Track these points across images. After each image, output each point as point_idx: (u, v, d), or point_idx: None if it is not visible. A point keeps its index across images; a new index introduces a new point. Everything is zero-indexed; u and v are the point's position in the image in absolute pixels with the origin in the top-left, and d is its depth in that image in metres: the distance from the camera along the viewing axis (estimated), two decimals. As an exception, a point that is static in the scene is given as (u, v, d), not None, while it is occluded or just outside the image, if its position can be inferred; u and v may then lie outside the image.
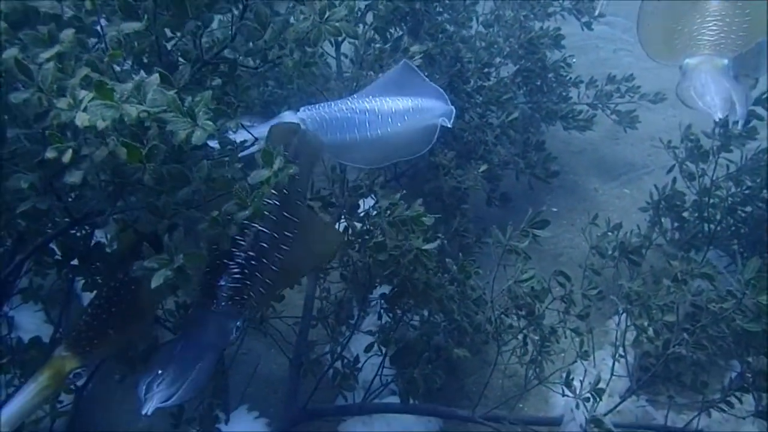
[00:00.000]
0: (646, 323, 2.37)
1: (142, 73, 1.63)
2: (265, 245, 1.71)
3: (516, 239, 2.32)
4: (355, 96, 2.46)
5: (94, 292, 1.75)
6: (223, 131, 1.54)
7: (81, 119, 1.30)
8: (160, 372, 1.58)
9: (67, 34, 1.42)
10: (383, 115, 2.36)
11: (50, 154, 1.31)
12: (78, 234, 1.77)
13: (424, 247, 2.17)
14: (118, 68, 1.54)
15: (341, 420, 2.64)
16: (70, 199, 1.54)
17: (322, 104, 2.34)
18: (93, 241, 1.81)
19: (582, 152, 4.69)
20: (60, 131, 1.34)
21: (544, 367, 2.50)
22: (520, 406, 3.12)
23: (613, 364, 2.58)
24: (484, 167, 3.08)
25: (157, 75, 1.37)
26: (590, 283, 2.66)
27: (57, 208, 1.51)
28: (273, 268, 1.72)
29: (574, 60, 4.05)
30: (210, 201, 1.53)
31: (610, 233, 3.07)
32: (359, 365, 2.51)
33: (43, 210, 1.44)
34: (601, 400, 2.25)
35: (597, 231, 3.53)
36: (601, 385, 2.38)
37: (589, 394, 2.28)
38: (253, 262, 1.68)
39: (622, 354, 2.59)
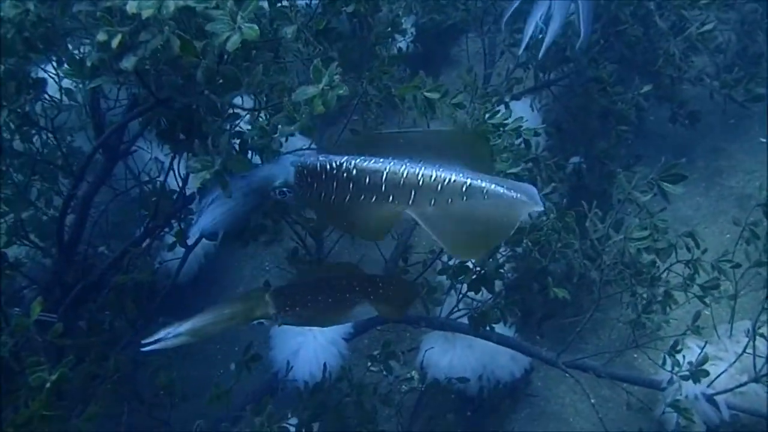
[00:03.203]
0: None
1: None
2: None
3: (641, 188, 1.99)
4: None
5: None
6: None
7: (130, 6, 1.26)
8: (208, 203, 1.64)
9: None
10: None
11: (101, 37, 1.29)
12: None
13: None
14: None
15: (425, 331, 2.62)
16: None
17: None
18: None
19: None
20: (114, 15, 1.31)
21: (648, 328, 2.23)
22: (635, 356, 2.92)
23: (748, 343, 2.25)
24: (647, 88, 2.63)
25: (203, -33, 1.26)
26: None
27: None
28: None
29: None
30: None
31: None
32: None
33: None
34: (698, 382, 1.98)
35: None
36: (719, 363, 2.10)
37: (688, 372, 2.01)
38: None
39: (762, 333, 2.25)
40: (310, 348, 2.54)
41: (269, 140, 1.44)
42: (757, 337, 2.24)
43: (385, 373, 2.36)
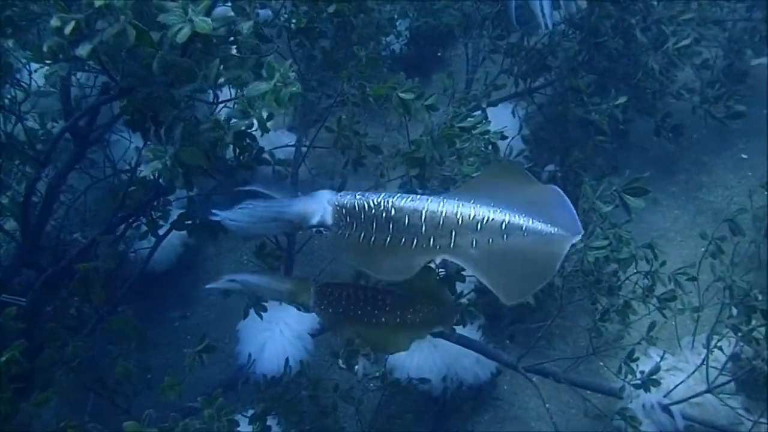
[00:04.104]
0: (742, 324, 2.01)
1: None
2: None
3: (605, 199, 2.01)
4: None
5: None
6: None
7: (84, -7, 1.28)
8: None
9: None
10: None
11: (54, 22, 1.31)
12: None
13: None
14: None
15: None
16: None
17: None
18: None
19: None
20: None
21: (604, 336, 2.26)
22: (601, 363, 2.94)
23: (707, 354, 2.27)
24: (622, 99, 2.66)
25: (164, -41, 1.28)
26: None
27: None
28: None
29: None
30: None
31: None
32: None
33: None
34: (649, 391, 2.00)
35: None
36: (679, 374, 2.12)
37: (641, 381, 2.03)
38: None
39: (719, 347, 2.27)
40: (276, 343, 2.56)
41: (222, 133, 1.45)
42: (716, 349, 2.27)
43: (347, 370, 2.37)
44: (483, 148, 2.18)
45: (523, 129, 3.19)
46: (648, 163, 3.85)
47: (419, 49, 4.24)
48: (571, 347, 3.00)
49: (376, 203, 1.62)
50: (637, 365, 2.15)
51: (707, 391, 2.14)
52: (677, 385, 2.32)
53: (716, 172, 3.78)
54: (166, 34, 1.35)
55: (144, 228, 2.36)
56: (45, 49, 1.41)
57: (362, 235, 1.62)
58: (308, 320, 2.59)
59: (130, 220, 2.41)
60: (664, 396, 2.31)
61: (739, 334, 2.03)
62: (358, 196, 1.65)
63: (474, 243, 1.57)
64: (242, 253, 3.53)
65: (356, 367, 2.75)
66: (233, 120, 1.44)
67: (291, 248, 2.58)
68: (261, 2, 2.28)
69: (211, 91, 1.51)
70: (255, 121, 1.47)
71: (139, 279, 2.59)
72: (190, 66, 1.40)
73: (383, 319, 1.80)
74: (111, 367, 2.14)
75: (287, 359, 2.37)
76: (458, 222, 1.58)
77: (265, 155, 2.36)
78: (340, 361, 2.44)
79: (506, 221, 1.58)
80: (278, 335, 2.55)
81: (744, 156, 3.85)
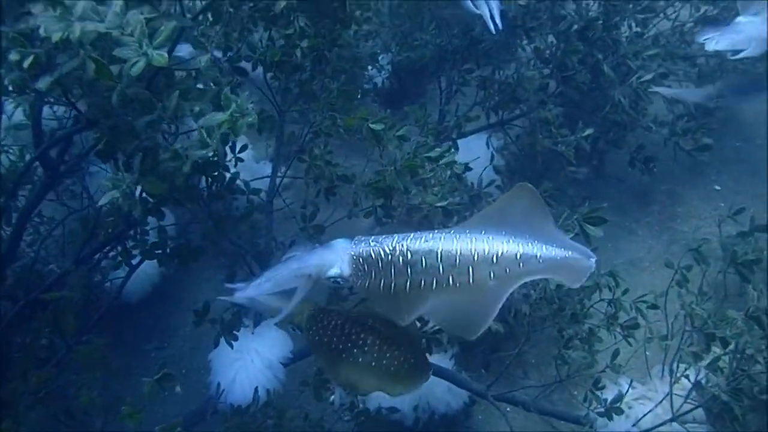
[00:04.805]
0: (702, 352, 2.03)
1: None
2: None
3: (565, 227, 2.05)
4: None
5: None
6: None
7: (42, 30, 1.33)
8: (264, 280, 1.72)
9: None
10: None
11: (13, 57, 1.36)
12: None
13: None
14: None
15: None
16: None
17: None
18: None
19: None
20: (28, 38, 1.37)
21: (570, 364, 2.28)
22: (575, 392, 2.95)
23: (671, 383, 2.29)
24: (588, 132, 2.72)
25: (122, -4, 1.33)
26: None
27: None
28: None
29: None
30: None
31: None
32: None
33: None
34: (612, 419, 2.01)
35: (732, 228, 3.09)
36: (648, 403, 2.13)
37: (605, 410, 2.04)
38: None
39: (685, 375, 2.30)
40: (247, 372, 2.56)
41: (181, 164, 1.49)
42: (684, 378, 2.29)
43: (316, 400, 2.38)
44: (449, 178, 2.23)
45: (497, 159, 3.25)
46: (624, 194, 3.93)
47: (401, 83, 4.31)
48: (545, 376, 3.01)
49: (391, 248, 1.64)
50: (602, 393, 2.16)
51: (672, 420, 2.15)
52: (645, 414, 2.33)
53: (690, 203, 3.84)
54: (124, 67, 1.39)
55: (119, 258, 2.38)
56: (6, 83, 1.45)
57: (382, 281, 1.64)
58: (280, 349, 2.60)
59: (105, 250, 2.43)
60: (633, 425, 2.32)
61: (700, 362, 2.04)
62: (372, 243, 1.66)
63: (492, 275, 1.60)
64: (218, 282, 3.53)
65: (332, 397, 2.76)
66: (191, 150, 1.47)
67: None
68: (242, 35, 2.37)
69: (173, 122, 1.54)
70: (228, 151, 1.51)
71: (113, 309, 2.60)
72: (148, 97, 1.44)
73: (360, 359, 1.82)
74: (76, 397, 2.15)
75: (256, 388, 2.37)
76: (474, 258, 1.60)
77: (240, 183, 2.42)
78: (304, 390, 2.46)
79: (520, 252, 1.60)
80: (249, 364, 2.55)
81: (717, 187, 3.92)
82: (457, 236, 1.63)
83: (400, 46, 3.69)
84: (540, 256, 1.59)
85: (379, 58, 3.82)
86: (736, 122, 4.21)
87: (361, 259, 1.65)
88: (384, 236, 1.69)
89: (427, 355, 1.96)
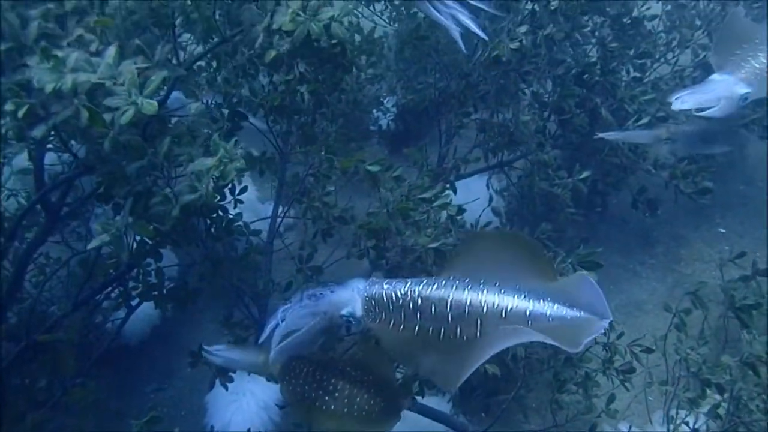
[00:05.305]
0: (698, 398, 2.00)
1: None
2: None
3: (561, 270, 2.05)
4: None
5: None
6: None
7: (36, 81, 1.38)
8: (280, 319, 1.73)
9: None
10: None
11: (9, 107, 1.41)
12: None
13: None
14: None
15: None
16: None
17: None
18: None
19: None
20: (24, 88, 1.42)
21: (571, 409, 2.25)
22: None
23: (668, 430, 2.26)
24: (585, 174, 2.74)
25: (114, 46, 1.39)
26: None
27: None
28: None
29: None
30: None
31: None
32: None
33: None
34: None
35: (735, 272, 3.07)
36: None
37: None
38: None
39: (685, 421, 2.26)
40: (242, 415, 2.56)
41: (171, 207, 1.52)
42: (683, 424, 2.25)
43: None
44: (445, 219, 2.25)
45: (496, 201, 3.27)
46: (628, 235, 3.92)
47: (406, 125, 4.38)
48: (546, 420, 2.96)
49: (403, 293, 1.65)
50: (600, 440, 2.13)
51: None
52: (646, 460, 2.29)
53: (694, 246, 3.82)
54: (115, 115, 1.44)
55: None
56: (4, 131, 1.50)
57: (392, 323, 1.66)
58: (275, 390, 2.59)
59: (106, 291, 2.46)
60: (634, 471, 2.28)
61: (698, 409, 2.01)
62: (386, 286, 1.68)
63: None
64: (219, 324, 3.54)
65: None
66: (181, 195, 1.51)
67: (262, 318, 2.62)
68: (244, 80, 2.42)
69: (164, 167, 1.58)
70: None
71: (112, 350, 2.61)
72: (138, 144, 1.48)
73: (332, 407, 1.83)
74: (71, 438, 2.15)
75: (248, 430, 2.36)
76: (483, 311, 1.60)
77: (240, 224, 2.45)
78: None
79: (530, 309, 1.58)
80: (245, 406, 2.55)
81: (722, 230, 3.90)
82: (470, 287, 1.63)
83: (405, 89, 3.76)
84: (550, 314, 1.57)
85: (385, 100, 3.90)
86: (741, 165, 4.20)
87: (373, 301, 1.67)
88: (399, 280, 1.71)
89: (403, 397, 1.94)
